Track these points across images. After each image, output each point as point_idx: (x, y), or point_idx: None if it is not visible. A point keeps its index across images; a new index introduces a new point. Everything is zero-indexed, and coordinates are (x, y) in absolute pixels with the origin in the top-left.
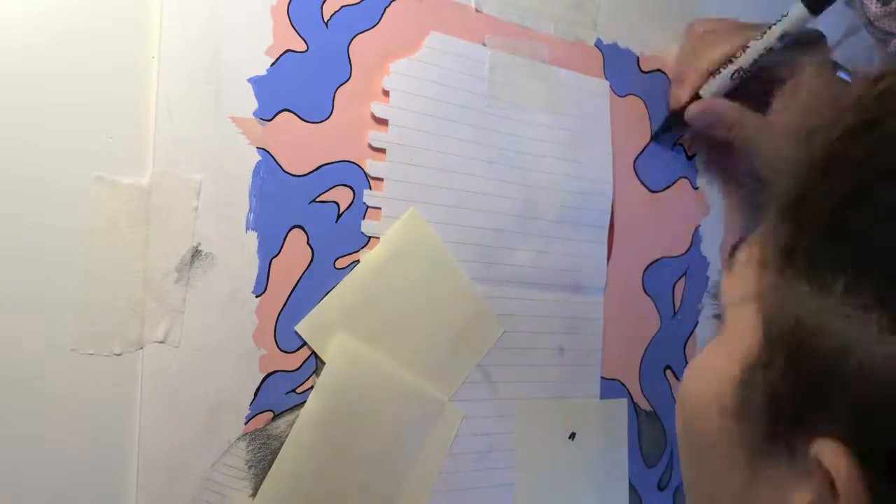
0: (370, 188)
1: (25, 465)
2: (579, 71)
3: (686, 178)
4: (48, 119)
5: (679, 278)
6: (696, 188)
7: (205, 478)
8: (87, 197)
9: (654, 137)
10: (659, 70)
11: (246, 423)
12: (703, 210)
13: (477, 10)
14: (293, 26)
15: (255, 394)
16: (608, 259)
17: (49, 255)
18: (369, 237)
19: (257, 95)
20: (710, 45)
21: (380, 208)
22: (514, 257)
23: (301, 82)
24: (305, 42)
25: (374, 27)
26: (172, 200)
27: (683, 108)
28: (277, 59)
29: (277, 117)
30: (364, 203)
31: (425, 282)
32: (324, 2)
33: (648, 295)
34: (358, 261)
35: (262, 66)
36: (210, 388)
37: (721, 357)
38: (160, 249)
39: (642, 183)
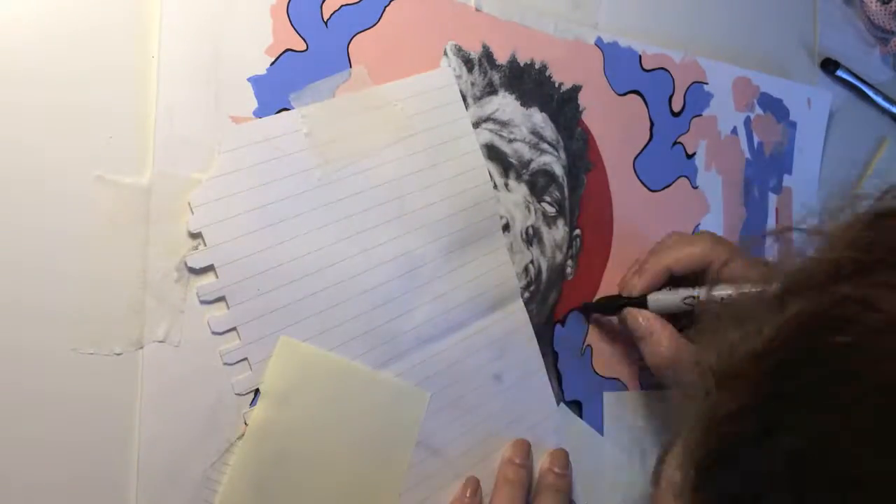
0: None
1: (25, 465)
2: (573, 71)
3: (686, 177)
4: (48, 119)
5: None
6: (695, 187)
7: (205, 477)
8: (87, 197)
9: (583, 309)
10: (661, 68)
11: (246, 423)
12: (702, 209)
13: (477, 10)
14: (293, 26)
15: (255, 393)
16: (608, 258)
17: (49, 254)
18: (246, 392)
19: (257, 95)
20: (680, 245)
21: (245, 359)
22: (413, 318)
23: (301, 82)
24: (305, 41)
25: (373, 26)
26: (172, 200)
27: (622, 299)
28: (277, 59)
29: None
30: (226, 363)
31: (327, 403)
32: (323, 1)
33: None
34: (246, 424)
35: (261, 66)
36: (210, 388)
37: None
38: (160, 249)
39: (642, 182)
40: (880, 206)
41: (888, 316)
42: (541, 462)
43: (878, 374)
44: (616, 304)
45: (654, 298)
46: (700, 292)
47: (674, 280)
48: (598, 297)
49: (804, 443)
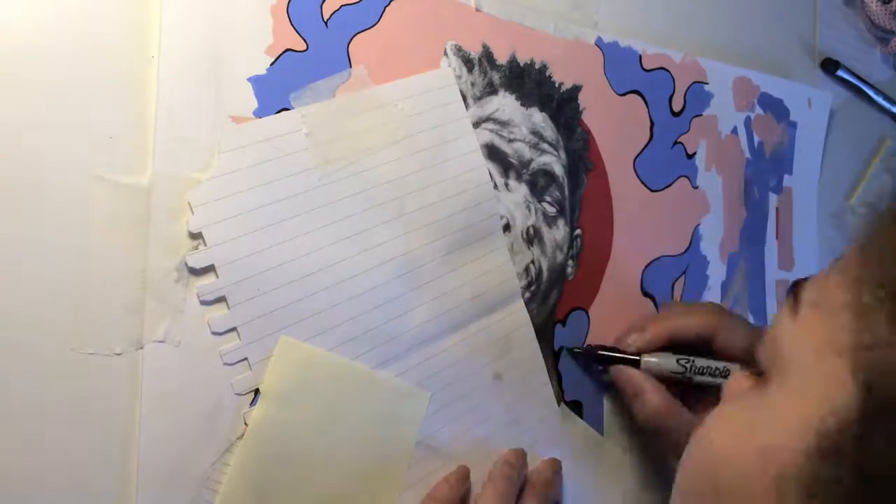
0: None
1: (25, 465)
2: (570, 70)
3: (686, 176)
4: (48, 118)
5: (678, 277)
6: (695, 187)
7: (205, 477)
8: (86, 197)
9: (570, 352)
10: (662, 68)
11: (246, 423)
12: (703, 209)
13: (477, 10)
14: (293, 25)
15: (255, 393)
16: (608, 258)
17: (48, 254)
18: (246, 392)
19: (257, 95)
20: (689, 314)
21: (245, 359)
22: (413, 318)
23: (301, 82)
24: (305, 41)
25: (373, 26)
26: (172, 200)
27: (618, 354)
28: (277, 59)
29: None
30: (226, 363)
31: (327, 403)
32: (323, 1)
33: (648, 294)
34: (246, 424)
35: (261, 66)
36: (210, 388)
37: (774, 420)
38: (160, 249)
39: (642, 182)
40: None
41: None
42: (532, 468)
43: None
44: (609, 359)
45: (647, 360)
46: (690, 362)
47: (671, 347)
48: (597, 297)
49: None
